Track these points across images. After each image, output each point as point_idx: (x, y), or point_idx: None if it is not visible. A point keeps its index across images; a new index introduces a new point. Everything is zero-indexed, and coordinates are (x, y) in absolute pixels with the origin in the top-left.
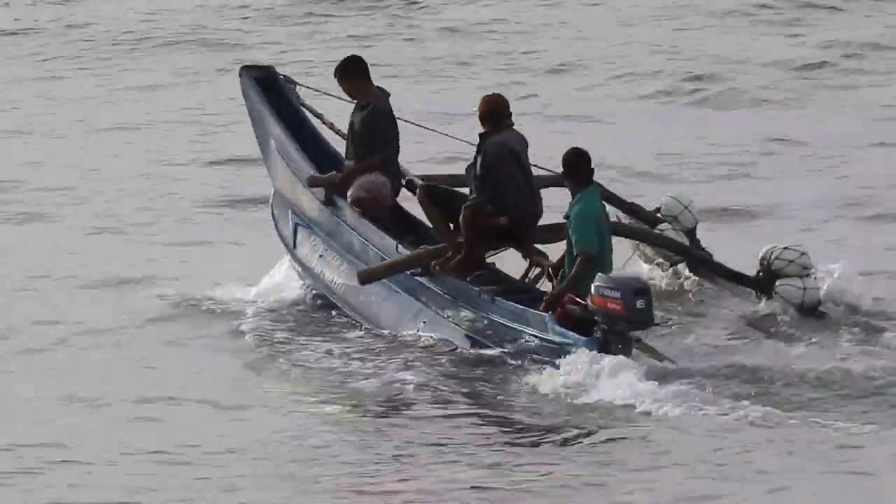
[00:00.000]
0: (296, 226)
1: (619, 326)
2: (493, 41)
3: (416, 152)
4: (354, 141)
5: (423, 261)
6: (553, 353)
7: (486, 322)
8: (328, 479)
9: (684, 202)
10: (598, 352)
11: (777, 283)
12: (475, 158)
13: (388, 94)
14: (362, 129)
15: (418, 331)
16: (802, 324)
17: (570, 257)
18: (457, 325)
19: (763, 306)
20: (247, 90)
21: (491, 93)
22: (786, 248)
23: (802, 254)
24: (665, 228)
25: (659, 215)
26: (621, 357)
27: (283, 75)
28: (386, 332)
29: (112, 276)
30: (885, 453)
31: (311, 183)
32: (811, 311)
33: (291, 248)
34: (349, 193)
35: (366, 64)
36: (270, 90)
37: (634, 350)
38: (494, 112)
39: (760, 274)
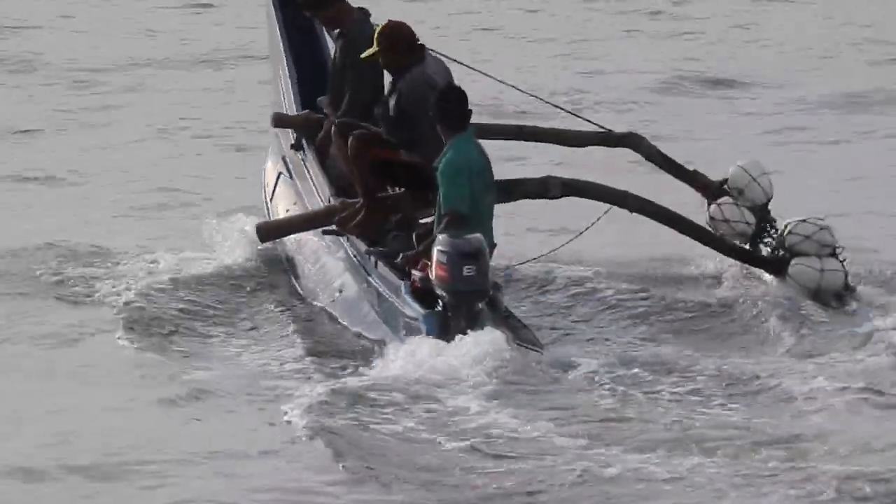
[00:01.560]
0: (279, 175)
1: (449, 298)
2: None
3: None
4: (332, 80)
5: (335, 216)
6: (412, 330)
7: (374, 292)
8: None
9: (753, 172)
10: (436, 331)
11: (791, 262)
12: (388, 97)
13: (368, 14)
14: (337, 67)
15: (334, 302)
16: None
17: (440, 216)
18: (359, 294)
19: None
20: (270, 14)
21: (389, 20)
22: (802, 220)
23: (822, 228)
24: (726, 202)
25: (725, 187)
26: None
27: None
28: (312, 306)
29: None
30: None
31: (276, 122)
32: (832, 299)
33: (268, 202)
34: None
35: None
36: (300, 19)
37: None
38: (407, 41)
39: (776, 252)
